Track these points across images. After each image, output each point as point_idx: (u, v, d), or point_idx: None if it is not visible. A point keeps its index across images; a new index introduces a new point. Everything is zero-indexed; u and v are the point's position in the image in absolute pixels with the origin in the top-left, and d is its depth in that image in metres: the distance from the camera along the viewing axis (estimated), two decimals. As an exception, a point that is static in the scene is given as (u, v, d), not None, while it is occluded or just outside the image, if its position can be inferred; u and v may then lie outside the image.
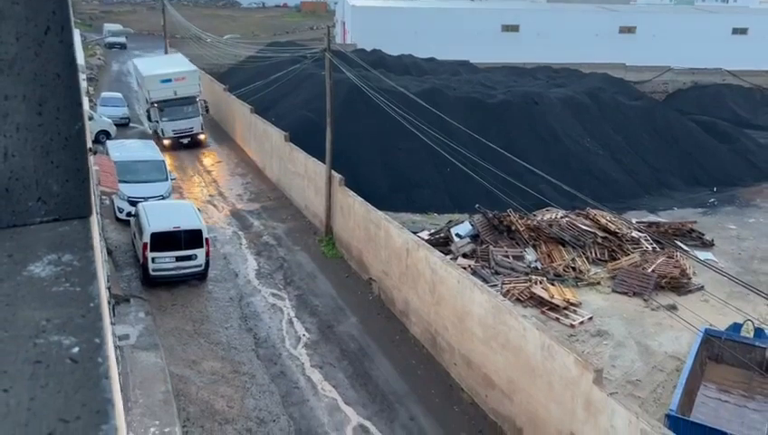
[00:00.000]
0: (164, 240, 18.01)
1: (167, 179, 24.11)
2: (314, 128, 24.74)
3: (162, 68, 33.33)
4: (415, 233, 19.30)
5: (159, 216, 18.85)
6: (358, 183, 22.40)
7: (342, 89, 28.25)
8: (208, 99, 36.84)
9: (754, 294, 16.59)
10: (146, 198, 21.53)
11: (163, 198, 22.68)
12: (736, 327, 15.91)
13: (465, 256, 21.33)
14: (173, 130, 31.72)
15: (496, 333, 12.97)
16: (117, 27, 65.71)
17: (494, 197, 21.86)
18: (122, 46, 62.60)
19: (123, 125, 35.48)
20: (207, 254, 18.76)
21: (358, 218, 19.85)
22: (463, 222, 23.15)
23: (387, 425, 13.38)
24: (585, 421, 10.57)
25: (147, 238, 17.96)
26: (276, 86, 30.10)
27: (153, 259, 18.00)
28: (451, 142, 19.58)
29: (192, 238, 18.34)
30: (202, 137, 33.13)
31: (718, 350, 15.65)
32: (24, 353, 0.94)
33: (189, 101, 32.30)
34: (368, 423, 13.45)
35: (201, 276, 18.95)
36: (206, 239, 18.65)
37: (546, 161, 27.32)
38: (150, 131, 33.62)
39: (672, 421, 11.89)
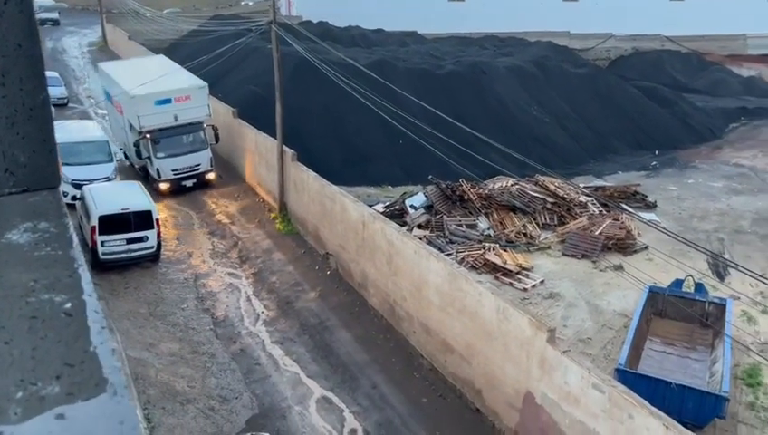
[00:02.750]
0: (113, 223, 17.54)
1: (111, 160, 23.36)
2: (263, 103, 24.33)
3: (156, 83, 22.97)
4: (370, 206, 19.38)
5: (106, 198, 18.31)
6: (311, 158, 22.24)
7: (290, 62, 27.77)
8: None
9: (695, 250, 17.46)
10: (91, 181, 20.83)
11: (109, 180, 21.99)
12: (678, 283, 16.70)
13: (420, 226, 21.58)
14: (173, 170, 22.95)
15: (453, 299, 13.26)
16: (49, 2, 62.31)
17: (447, 167, 22.13)
18: (55, 22, 59.43)
19: (61, 105, 33.89)
20: (159, 235, 18.38)
21: (312, 193, 19.76)
22: (417, 193, 23.35)
23: (349, 395, 13.58)
24: (540, 379, 11.00)
25: (95, 222, 17.44)
26: (221, 61, 29.13)
27: (102, 243, 17.53)
28: (402, 114, 19.62)
29: (142, 220, 17.92)
30: (211, 176, 24.04)
31: (662, 305, 16.43)
32: (19, 311, 0.96)
33: (195, 128, 23.40)
34: (330, 395, 13.62)
35: (154, 258, 18.58)
36: (157, 220, 18.25)
37: (496, 130, 27.69)
38: (138, 168, 24.68)
39: (621, 375, 12.51)
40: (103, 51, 53.01)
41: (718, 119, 39.20)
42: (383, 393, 13.63)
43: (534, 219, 22.43)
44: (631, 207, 24.15)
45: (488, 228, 21.63)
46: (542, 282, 18.44)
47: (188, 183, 23.41)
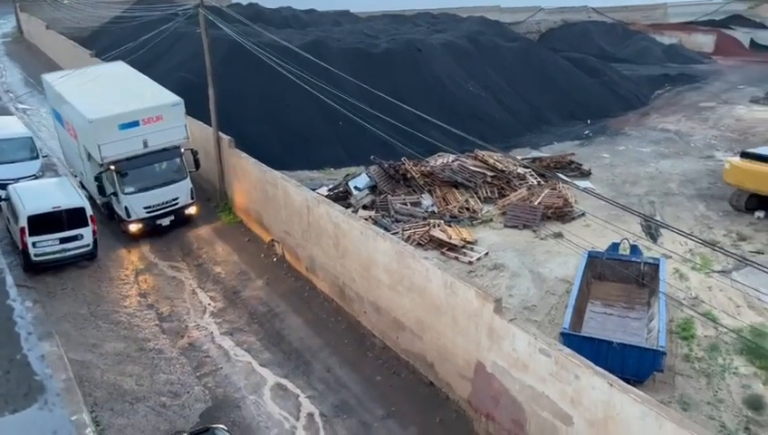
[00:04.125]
0: (43, 222, 16.72)
1: (37, 157, 22.17)
2: (195, 90, 23.57)
3: (118, 101, 19.26)
4: (313, 190, 19.23)
5: (35, 197, 17.42)
6: (249, 144, 21.79)
7: (221, 46, 27.02)
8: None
9: (629, 214, 18.20)
10: (16, 180, 19.74)
11: (36, 178, 20.90)
12: (615, 247, 17.40)
13: (365, 207, 21.60)
14: (146, 208, 18.95)
15: (401, 277, 13.38)
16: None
17: (388, 146, 22.15)
18: None
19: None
20: (95, 232, 17.67)
21: (253, 180, 19.41)
22: (360, 174, 23.33)
23: (304, 380, 13.56)
24: (489, 348, 11.28)
25: (23, 222, 16.60)
26: (148, 48, 27.94)
27: (34, 244, 16.70)
28: (341, 94, 19.44)
29: (75, 217, 17.17)
30: (192, 211, 20.16)
31: (601, 269, 17.10)
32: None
33: (170, 154, 19.31)
34: (284, 381, 13.57)
35: (90, 256, 17.86)
36: (92, 217, 17.53)
37: (434, 107, 27.90)
38: (101, 204, 20.23)
39: (566, 338, 13.00)
40: (19, 42, 50.07)
41: (644, 86, 40.78)
42: (337, 375, 13.68)
43: (476, 194, 22.82)
44: (567, 176, 24.91)
45: (432, 205, 21.87)
46: (486, 254, 18.84)
47: (164, 221, 19.36)
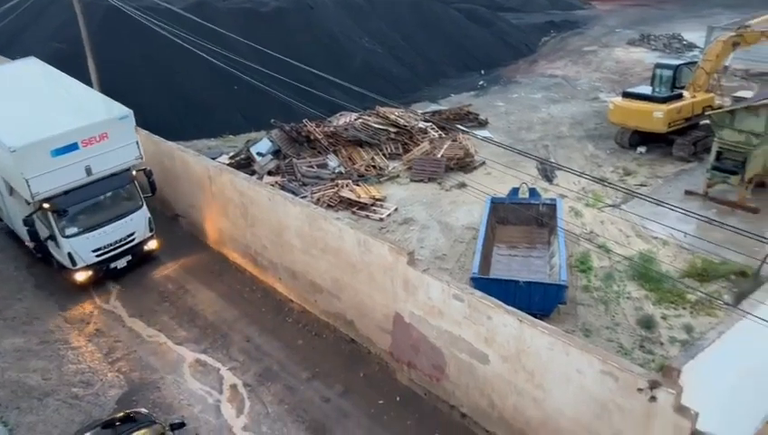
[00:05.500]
0: None
1: None
2: (72, 60, 21.77)
3: (46, 119, 15.22)
4: (214, 159, 18.59)
5: None
6: (139, 116, 20.45)
7: (97, 12, 25.05)
8: None
9: (526, 159, 19.05)
10: None
11: None
12: (515, 191, 18.20)
13: (270, 173, 21.20)
14: (95, 251, 15.37)
15: (314, 240, 13.35)
16: None
17: (288, 108, 21.70)
18: None
19: None
20: None
21: (148, 154, 18.35)
22: (261, 139, 22.78)
23: (223, 353, 13.37)
24: (406, 300, 11.60)
25: None
26: (13, 17, 25.39)
27: None
28: (233, 57, 18.70)
29: None
30: (153, 245, 16.67)
31: (503, 213, 17.87)
32: None
33: (120, 180, 15.73)
34: (203, 356, 13.31)
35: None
36: None
37: (331, 65, 27.48)
38: (33, 248, 16.04)
39: (476, 282, 13.58)
40: None
41: (531, 34, 42.20)
42: (258, 344, 13.59)
43: (381, 151, 22.97)
44: (466, 126, 25.60)
45: (339, 166, 21.80)
46: (396, 210, 19.16)
47: (120, 263, 15.88)
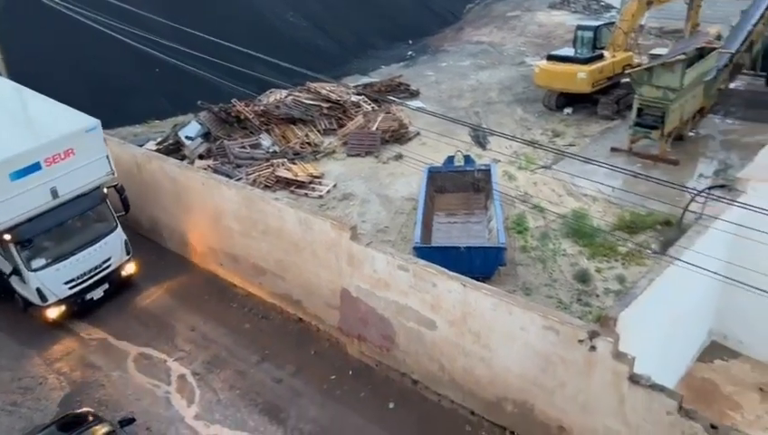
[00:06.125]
0: None
1: None
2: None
3: (2, 139, 13.22)
4: (141, 146, 17.89)
5: None
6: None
7: (-2, -4, 23.37)
8: None
9: (459, 127, 19.31)
10: None
11: None
12: (450, 159, 18.46)
13: (201, 157, 20.64)
14: (68, 283, 13.53)
15: (254, 222, 13.14)
16: None
17: (215, 89, 20.99)
18: None
19: None
20: None
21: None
22: (189, 123, 22.10)
23: (169, 345, 13.07)
24: (352, 275, 11.64)
25: None
26: None
27: None
28: (152, 38, 17.88)
29: None
30: (131, 269, 14.84)
31: (441, 182, 18.12)
32: None
33: (90, 200, 13.88)
34: (148, 350, 12.97)
35: None
36: None
37: (257, 42, 26.66)
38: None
39: (419, 251, 13.78)
40: None
41: (456, 2, 42.42)
42: (203, 332, 13.36)
43: (315, 127, 22.73)
44: (398, 98, 25.64)
45: (272, 145, 21.44)
46: (334, 186, 19.08)
47: (96, 293, 14.05)
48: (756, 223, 9.42)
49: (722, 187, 12.42)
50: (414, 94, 26.65)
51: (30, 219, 12.79)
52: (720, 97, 22.37)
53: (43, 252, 13.28)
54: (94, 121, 13.79)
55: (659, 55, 21.54)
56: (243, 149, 20.87)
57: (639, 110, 19.50)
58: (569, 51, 24.50)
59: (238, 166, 20.15)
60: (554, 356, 9.15)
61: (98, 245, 13.93)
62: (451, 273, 10.17)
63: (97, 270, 14.00)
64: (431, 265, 10.46)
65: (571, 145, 21.11)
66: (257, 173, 19.41)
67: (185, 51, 18.32)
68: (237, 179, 17.87)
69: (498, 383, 10.17)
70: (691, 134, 21.23)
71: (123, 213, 14.47)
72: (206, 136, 21.60)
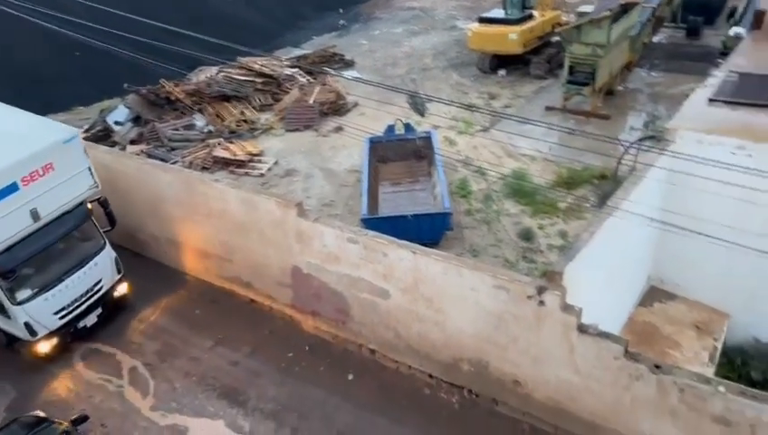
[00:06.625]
0: None
1: None
2: None
3: None
4: (66, 134, 16.97)
5: None
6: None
7: None
8: None
9: (397, 94, 19.26)
10: None
11: None
12: (391, 128, 18.42)
13: (133, 142, 19.84)
14: (57, 314, 12.09)
15: (195, 205, 12.79)
16: None
17: (141, 70, 20.08)
18: None
19: None
20: None
21: None
22: (117, 107, 21.17)
23: (116, 338, 12.68)
24: (301, 251, 11.55)
25: None
26: None
27: None
28: (68, 18, 16.88)
29: None
30: (124, 289, 13.35)
31: (383, 152, 18.10)
32: None
33: (75, 217, 12.35)
34: (96, 345, 12.56)
35: None
36: None
37: (181, 18, 25.63)
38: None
39: (367, 222, 13.80)
40: None
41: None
42: (154, 322, 13.02)
43: (250, 103, 22.18)
44: (333, 68, 25.28)
45: (207, 124, 20.81)
46: (275, 163, 18.76)
47: (90, 320, 12.67)
48: (686, 169, 9.88)
49: (652, 138, 12.95)
50: (349, 64, 26.33)
51: (9, 248, 11.23)
52: (645, 51, 23.14)
53: (28, 281, 11.75)
54: (72, 131, 12.37)
55: (587, 13, 21.99)
56: (176, 131, 20.18)
57: (571, 67, 19.95)
58: (499, 12, 24.68)
59: (173, 149, 19.49)
60: (505, 314, 9.42)
61: (87, 267, 12.45)
62: (401, 241, 10.24)
63: (88, 294, 12.58)
64: (380, 235, 10.49)
65: (507, 107, 21.43)
66: (193, 155, 18.85)
67: (106, 31, 17.42)
68: (173, 163, 17.31)
69: (453, 345, 10.40)
70: (620, 88, 21.92)
71: (109, 228, 12.97)
72: (136, 120, 20.75)
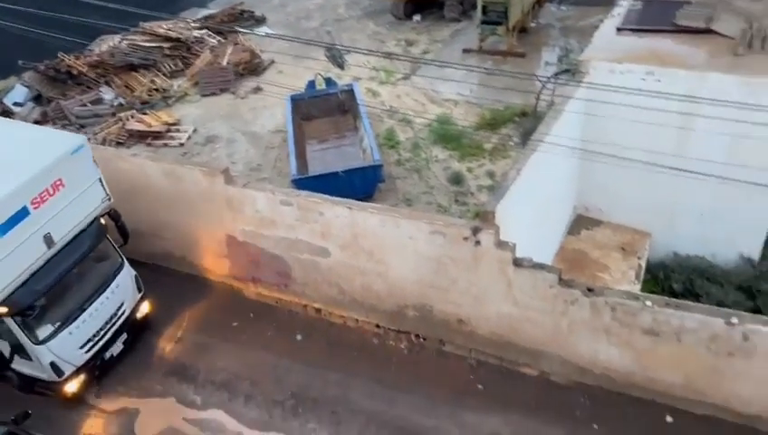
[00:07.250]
0: None
1: None
2: None
3: None
4: (-40, 121, 15.67)
5: None
6: None
7: None
8: None
9: (314, 49, 18.81)
10: None
11: None
12: (311, 84, 17.99)
13: (37, 122, 18.54)
14: (83, 347, 10.70)
15: (117, 183, 12.07)
16: None
17: (36, 44, 18.66)
18: None
19: None
20: None
21: None
22: (14, 87, 19.68)
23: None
24: (234, 219, 11.33)
25: None
26: None
27: None
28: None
29: None
30: (145, 309, 12.01)
31: (306, 109, 17.73)
32: None
33: (90, 237, 10.78)
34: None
35: None
36: None
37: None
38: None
39: (298, 183, 13.60)
40: None
41: None
42: (87, 308, 12.52)
43: (159, 71, 21.07)
44: (244, 26, 24.29)
45: (116, 97, 19.69)
46: (194, 131, 18.06)
47: (116, 349, 11.40)
48: (601, 99, 10.24)
49: (567, 71, 13.30)
50: (260, 21, 25.36)
51: (25, 282, 9.84)
52: (553, -14, 23.49)
53: (49, 316, 10.35)
54: (79, 139, 10.85)
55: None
56: (83, 107, 18.99)
57: (484, 8, 19.99)
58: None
59: (82, 126, 18.37)
60: (444, 257, 9.65)
61: (109, 290, 11.18)
62: (335, 198, 10.21)
63: (113, 320, 11.29)
64: (314, 194, 10.42)
65: (425, 52, 21.37)
66: (106, 131, 17.86)
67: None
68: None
69: (397, 293, 10.61)
70: (533, 25, 22.24)
71: (122, 243, 11.61)
72: (38, 99, 19.39)
